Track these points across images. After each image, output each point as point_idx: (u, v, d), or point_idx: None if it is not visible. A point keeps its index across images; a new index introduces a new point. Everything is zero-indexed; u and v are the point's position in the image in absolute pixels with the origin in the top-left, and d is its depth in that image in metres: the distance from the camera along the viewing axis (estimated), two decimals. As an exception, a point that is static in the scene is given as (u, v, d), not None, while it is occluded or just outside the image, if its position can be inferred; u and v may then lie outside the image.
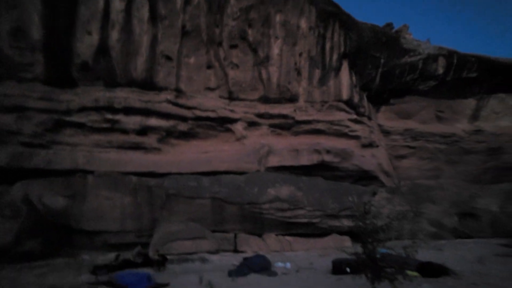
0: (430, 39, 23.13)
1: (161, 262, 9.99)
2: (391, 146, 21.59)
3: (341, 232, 15.25)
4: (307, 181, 15.67)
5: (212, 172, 14.67)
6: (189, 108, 14.86)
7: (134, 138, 13.96)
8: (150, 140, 14.12)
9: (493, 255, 11.14)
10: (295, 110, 17.16)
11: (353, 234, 12.72)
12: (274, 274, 8.77)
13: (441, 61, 20.05)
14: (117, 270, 8.83)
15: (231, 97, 16.09)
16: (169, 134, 14.68)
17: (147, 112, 13.91)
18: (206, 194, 13.73)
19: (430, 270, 7.63)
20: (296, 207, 14.49)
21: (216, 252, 12.71)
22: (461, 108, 22.47)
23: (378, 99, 21.16)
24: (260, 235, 14.39)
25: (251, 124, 16.36)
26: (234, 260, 10.73)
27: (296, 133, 17.43)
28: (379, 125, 21.50)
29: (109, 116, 13.42)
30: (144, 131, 14.10)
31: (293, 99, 17.04)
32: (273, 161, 16.06)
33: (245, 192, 14.14)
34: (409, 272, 7.06)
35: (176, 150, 15.04)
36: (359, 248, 6.43)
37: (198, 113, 14.94)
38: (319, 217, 14.96)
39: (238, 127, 15.87)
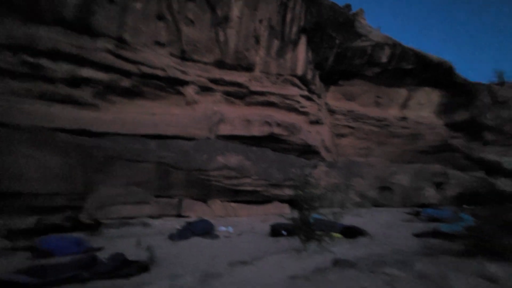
0: (380, 27, 24.65)
1: (94, 227, 9.37)
2: (334, 124, 23.39)
3: (282, 200, 16.46)
4: (256, 152, 16.11)
5: (159, 136, 13.84)
6: (134, 62, 13.26)
7: (63, 90, 12.01)
8: (84, 93, 12.36)
9: (399, 221, 13.56)
10: (250, 80, 16.89)
11: (292, 202, 13.85)
12: (216, 237, 9.10)
13: (387, 50, 21.76)
14: (41, 235, 7.98)
15: (184, 57, 14.87)
16: (108, 90, 13.05)
17: (80, 60, 11.94)
18: (151, 158, 13.03)
19: (351, 232, 8.93)
20: (243, 176, 14.93)
21: (158, 217, 12.50)
22: (395, 96, 25.24)
23: (329, 79, 22.22)
24: (205, 201, 14.58)
25: (204, 89, 15.62)
26: (177, 224, 10.72)
27: (249, 104, 17.37)
28: (326, 104, 22.87)
29: (30, 59, 11.13)
30: (76, 82, 12.20)
31: (249, 67, 16.66)
32: (224, 129, 15.90)
33: (194, 159, 13.88)
34: (334, 234, 8.16)
35: (117, 109, 13.58)
36: (296, 214, 7.05)
37: (145, 69, 13.49)
38: (264, 186, 15.76)
39: (190, 90, 14.99)
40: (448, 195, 23.25)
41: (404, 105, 25.67)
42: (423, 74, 23.84)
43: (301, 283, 4.10)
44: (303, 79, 18.87)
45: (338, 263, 5.04)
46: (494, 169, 25.77)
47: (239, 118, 16.52)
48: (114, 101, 13.49)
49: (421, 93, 25.60)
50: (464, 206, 17.69)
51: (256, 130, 16.68)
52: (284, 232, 8.93)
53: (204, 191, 14.40)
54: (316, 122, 20.14)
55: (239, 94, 16.83)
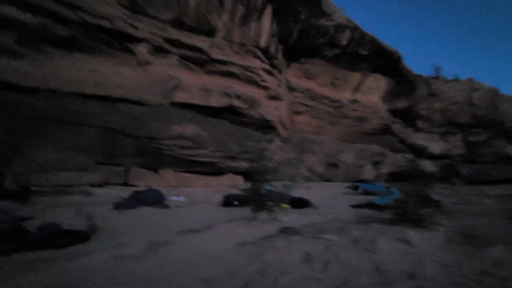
0: (344, 8, 25.04)
1: (22, 194, 8.28)
2: (292, 102, 23.93)
3: (236, 172, 16.70)
4: (213, 122, 15.73)
5: (104, 97, 12.43)
6: (71, 6, 11.20)
7: (-24, 30, 9.70)
8: (7, 39, 10.19)
9: (341, 194, 15.05)
10: (211, 46, 15.89)
11: (246, 174, 14.18)
12: (167, 206, 8.87)
13: (347, 33, 22.39)
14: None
15: (136, 10, 13.11)
16: (39, 37, 10.95)
17: (-1, -5, 9.66)
18: (96, 121, 11.77)
19: (299, 203, 9.61)
20: (199, 147, 14.57)
21: (102, 185, 11.64)
22: (350, 79, 26.66)
23: (291, 55, 22.20)
24: (156, 171, 13.99)
25: (159, 50, 14.22)
26: (124, 194, 10.14)
27: (209, 72, 16.52)
28: (287, 81, 23.08)
29: None
30: (-6, 22, 9.93)
31: (210, 32, 15.56)
32: (181, 97, 15.00)
33: (145, 126, 12.97)
34: (284, 205, 8.69)
35: (52, 62, 11.60)
36: (249, 186, 7.22)
37: (86, 17, 11.55)
38: (220, 158, 15.69)
39: (142, 49, 13.49)
40: (383, 172, 26.43)
41: (356, 89, 27.36)
42: (376, 60, 25.41)
43: (248, 249, 4.28)
44: (266, 52, 18.49)
45: (285, 230, 5.39)
46: (421, 152, 29.92)
47: (197, 87, 15.68)
48: (48, 52, 11.45)
49: (372, 79, 27.48)
50: (394, 182, 20.34)
51: (215, 101, 16.14)
52: (236, 203, 9.15)
53: (156, 160, 13.74)
54: (275, 97, 20.29)
55: (199, 60, 15.81)
